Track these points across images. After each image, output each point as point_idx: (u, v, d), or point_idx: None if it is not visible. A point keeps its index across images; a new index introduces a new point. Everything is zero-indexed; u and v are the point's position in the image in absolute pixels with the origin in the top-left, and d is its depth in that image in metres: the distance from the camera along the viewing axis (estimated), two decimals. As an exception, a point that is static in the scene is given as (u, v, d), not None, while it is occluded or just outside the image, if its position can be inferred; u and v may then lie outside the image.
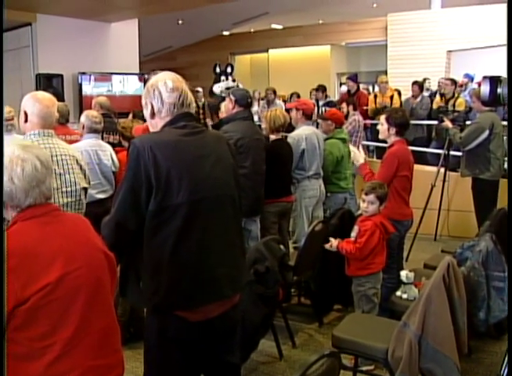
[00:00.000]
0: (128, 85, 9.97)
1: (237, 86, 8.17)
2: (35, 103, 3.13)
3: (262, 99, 11.64)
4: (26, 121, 3.14)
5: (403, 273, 3.86)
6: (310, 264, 4.62)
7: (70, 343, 1.90)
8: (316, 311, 4.91)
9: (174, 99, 2.50)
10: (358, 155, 4.78)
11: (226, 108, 4.97)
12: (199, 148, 2.49)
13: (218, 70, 8.89)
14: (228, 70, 8.90)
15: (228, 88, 8.14)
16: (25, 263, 1.84)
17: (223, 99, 8.00)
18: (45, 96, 3.21)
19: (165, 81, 2.51)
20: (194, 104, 2.67)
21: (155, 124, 2.56)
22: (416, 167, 4.92)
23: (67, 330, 1.90)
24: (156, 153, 2.34)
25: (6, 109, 5.17)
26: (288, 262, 4.18)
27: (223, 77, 8.48)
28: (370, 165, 4.83)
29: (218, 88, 8.25)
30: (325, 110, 8.50)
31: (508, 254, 2.61)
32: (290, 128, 5.80)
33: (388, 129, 4.53)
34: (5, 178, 1.92)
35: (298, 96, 11.05)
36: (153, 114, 2.54)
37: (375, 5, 13.93)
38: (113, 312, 2.11)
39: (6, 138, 4.93)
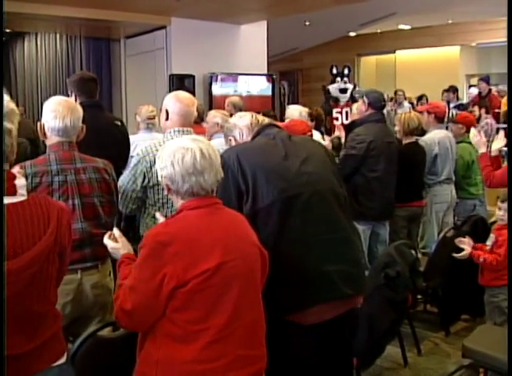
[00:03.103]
0: (254, 86, 10.12)
1: (354, 88, 8.10)
2: (176, 102, 3.25)
3: (390, 101, 11.45)
4: (167, 119, 3.27)
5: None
6: (440, 271, 4.49)
7: (223, 330, 1.99)
8: (443, 319, 4.76)
9: (248, 120, 2.78)
10: (481, 142, 4.41)
11: (359, 110, 4.94)
12: (284, 149, 2.56)
13: (334, 71, 8.83)
14: (346, 71, 8.81)
15: (342, 91, 8.09)
16: (188, 248, 1.98)
17: (336, 99, 7.98)
18: (186, 96, 3.33)
19: (238, 114, 2.90)
20: (267, 120, 2.86)
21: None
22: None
23: (221, 317, 1.99)
24: (241, 160, 2.46)
25: (149, 108, 5.40)
26: (419, 268, 4.09)
27: (338, 78, 8.41)
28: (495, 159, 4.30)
29: (333, 89, 8.21)
30: (455, 113, 8.24)
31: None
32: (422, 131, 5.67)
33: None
34: (168, 162, 2.10)
35: (426, 99, 10.76)
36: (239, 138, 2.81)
37: (509, 3, 13.25)
38: (262, 306, 2.17)
39: (145, 136, 5.24)
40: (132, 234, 3.47)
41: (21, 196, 1.82)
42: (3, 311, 1.31)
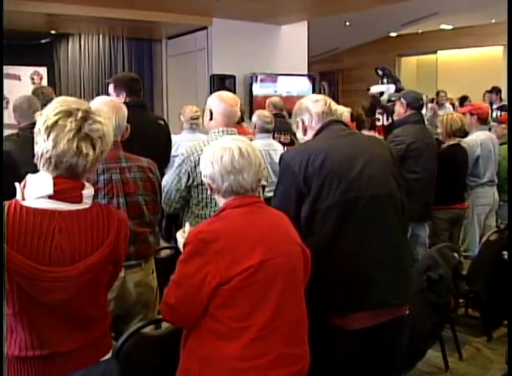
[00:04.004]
0: (293, 86, 10.10)
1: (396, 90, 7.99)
2: (220, 102, 3.27)
3: (431, 102, 11.30)
4: (211, 119, 3.29)
5: None
6: (483, 274, 4.42)
7: (266, 328, 2.00)
8: (485, 324, 4.68)
9: (321, 106, 2.64)
10: None
11: (397, 111, 4.90)
12: (348, 149, 2.52)
13: (380, 72, 8.74)
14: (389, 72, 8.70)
15: (381, 93, 8.00)
16: (231, 245, 2.00)
17: (374, 99, 7.89)
18: (229, 96, 3.35)
19: (310, 97, 2.72)
20: (340, 112, 2.73)
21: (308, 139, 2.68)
22: None
23: (264, 314, 2.01)
24: (304, 163, 2.42)
25: (193, 108, 5.45)
26: (461, 271, 4.03)
27: (385, 80, 8.32)
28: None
29: (374, 89, 8.13)
30: (498, 115, 8.09)
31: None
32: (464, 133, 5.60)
33: None
34: (209, 162, 2.15)
35: (469, 100, 10.60)
36: (305, 130, 2.68)
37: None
38: (304, 304, 2.17)
39: (189, 136, 5.28)
40: (175, 233, 3.50)
41: (85, 204, 1.87)
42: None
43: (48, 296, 1.78)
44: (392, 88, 7.20)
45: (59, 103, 1.84)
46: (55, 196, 1.79)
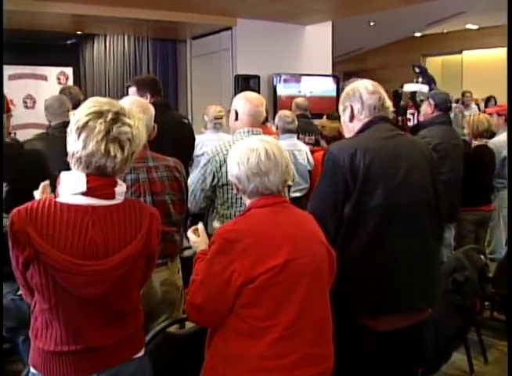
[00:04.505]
0: (317, 87, 10.08)
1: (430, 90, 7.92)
2: (246, 102, 3.28)
3: (456, 103, 11.19)
4: (236, 119, 3.30)
5: None
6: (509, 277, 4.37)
7: (290, 327, 2.01)
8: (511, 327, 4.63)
9: (375, 100, 2.55)
10: None
11: (424, 112, 4.86)
12: (395, 152, 2.47)
13: (417, 70, 8.67)
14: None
15: (414, 93, 7.92)
16: (256, 245, 2.01)
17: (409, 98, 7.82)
18: (255, 96, 3.36)
19: (365, 85, 2.57)
20: (391, 109, 2.68)
21: (352, 128, 2.60)
22: None
23: (288, 314, 2.01)
24: (352, 159, 2.37)
25: (217, 108, 5.46)
26: (488, 274, 3.99)
27: (421, 79, 8.24)
28: None
29: (406, 88, 8.07)
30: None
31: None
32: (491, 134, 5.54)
33: None
34: (235, 163, 2.16)
35: (495, 100, 10.48)
36: (352, 117, 2.58)
37: None
38: (329, 304, 2.17)
39: (212, 136, 5.30)
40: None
41: (118, 200, 1.90)
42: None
43: (84, 290, 1.81)
44: (425, 88, 7.14)
45: (91, 104, 1.87)
46: (88, 192, 1.83)
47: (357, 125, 2.57)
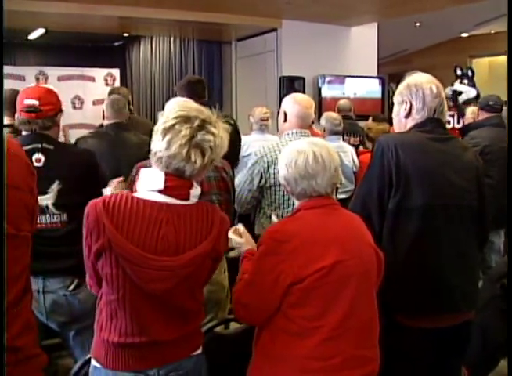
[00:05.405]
0: (361, 88, 10.00)
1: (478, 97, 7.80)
2: (295, 104, 3.29)
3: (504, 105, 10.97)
4: (285, 120, 3.31)
5: None
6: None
7: (337, 328, 2.02)
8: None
9: (437, 104, 2.50)
10: None
11: (475, 114, 4.80)
12: (444, 154, 2.46)
13: (459, 72, 8.55)
14: (469, 73, 8.52)
15: (455, 93, 7.82)
16: (305, 246, 2.02)
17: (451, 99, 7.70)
18: (304, 98, 3.38)
19: (430, 86, 2.50)
20: (447, 112, 2.64)
21: (404, 124, 2.57)
22: None
23: (335, 315, 2.02)
24: (399, 153, 2.35)
25: (263, 109, 5.49)
26: (538, 280, 3.91)
27: (465, 81, 8.13)
28: None
29: (447, 90, 7.97)
30: None
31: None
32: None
33: None
34: (283, 165, 2.19)
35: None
36: (408, 113, 2.54)
37: None
38: (376, 306, 2.17)
39: (258, 137, 5.32)
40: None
41: (192, 201, 1.96)
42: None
43: (152, 284, 1.86)
44: (473, 92, 7.05)
45: (181, 107, 1.93)
46: (164, 191, 1.88)
47: (410, 123, 2.54)
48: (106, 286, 1.92)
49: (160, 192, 1.88)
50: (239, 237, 2.40)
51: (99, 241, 1.84)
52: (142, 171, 1.95)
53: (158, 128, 1.90)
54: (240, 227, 2.43)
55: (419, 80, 2.54)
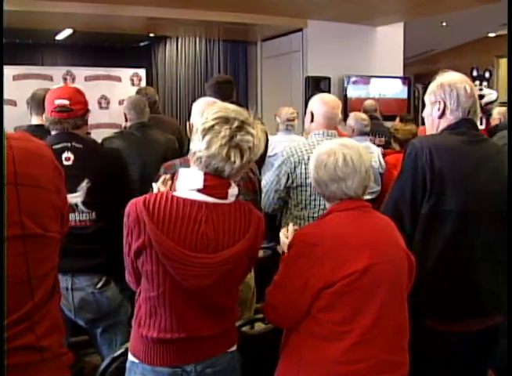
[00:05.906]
0: (387, 89, 9.95)
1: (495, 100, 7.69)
2: (322, 104, 3.29)
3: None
4: (312, 121, 3.30)
5: None
6: None
7: (367, 333, 1.99)
8: None
9: (471, 104, 2.46)
10: None
11: (502, 114, 4.75)
12: (478, 157, 2.41)
13: (474, 73, 8.45)
14: (487, 75, 8.40)
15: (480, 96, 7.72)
16: (336, 249, 2.00)
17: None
18: (331, 99, 3.36)
19: (464, 86, 2.46)
20: (480, 113, 2.60)
21: (437, 125, 2.52)
22: None
23: (366, 319, 2.00)
24: (434, 156, 2.31)
25: (289, 110, 5.49)
26: None
27: (477, 82, 8.03)
28: None
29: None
30: None
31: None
32: None
33: None
34: (312, 166, 2.19)
35: None
36: (442, 114, 2.49)
37: None
38: (407, 312, 2.14)
39: (284, 137, 5.31)
40: (270, 233, 3.52)
41: (229, 200, 1.98)
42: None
43: (191, 281, 1.90)
44: (495, 94, 6.96)
45: (220, 109, 1.95)
46: (204, 190, 1.91)
47: (443, 123, 2.50)
48: (146, 283, 1.96)
49: (200, 191, 1.91)
50: (286, 238, 2.35)
51: (139, 239, 1.88)
52: (181, 170, 1.98)
53: (197, 128, 1.92)
54: (290, 227, 2.37)
55: (452, 79, 2.49)
